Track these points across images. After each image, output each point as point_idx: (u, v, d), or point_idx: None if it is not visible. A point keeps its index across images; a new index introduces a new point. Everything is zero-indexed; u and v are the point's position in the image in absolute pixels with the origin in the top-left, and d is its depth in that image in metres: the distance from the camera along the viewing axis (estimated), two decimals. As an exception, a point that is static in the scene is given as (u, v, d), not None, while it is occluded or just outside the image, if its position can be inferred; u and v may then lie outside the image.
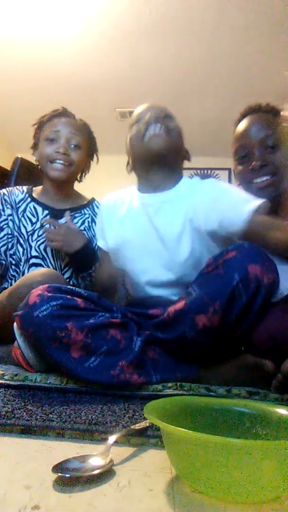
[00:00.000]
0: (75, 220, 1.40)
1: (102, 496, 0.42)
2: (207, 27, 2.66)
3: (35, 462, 0.50)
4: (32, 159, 1.50)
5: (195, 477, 0.43)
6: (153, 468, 0.49)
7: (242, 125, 1.22)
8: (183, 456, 0.44)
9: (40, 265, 1.35)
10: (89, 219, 1.42)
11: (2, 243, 1.36)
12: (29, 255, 1.35)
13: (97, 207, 1.45)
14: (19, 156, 1.99)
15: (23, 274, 1.33)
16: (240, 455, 0.39)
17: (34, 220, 1.38)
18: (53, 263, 1.36)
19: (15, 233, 1.37)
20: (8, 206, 1.39)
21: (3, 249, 1.36)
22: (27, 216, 1.38)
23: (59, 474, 0.44)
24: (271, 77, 3.10)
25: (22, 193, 1.43)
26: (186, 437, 0.42)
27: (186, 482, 0.45)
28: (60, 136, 1.35)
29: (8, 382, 0.81)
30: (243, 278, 0.81)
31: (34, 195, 1.44)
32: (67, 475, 0.44)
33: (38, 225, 1.37)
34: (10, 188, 1.47)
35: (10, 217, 1.37)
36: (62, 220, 1.35)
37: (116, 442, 0.52)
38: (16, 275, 1.37)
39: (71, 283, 1.36)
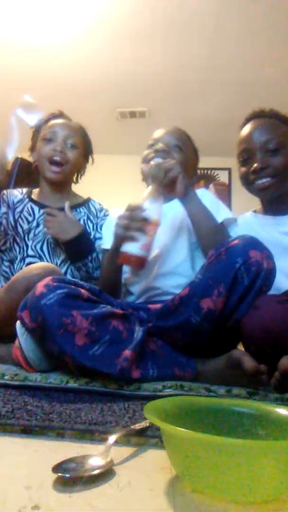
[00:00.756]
0: None
1: (102, 496, 0.42)
2: (207, 28, 2.66)
3: (35, 462, 0.50)
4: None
5: (195, 477, 0.43)
6: (153, 468, 0.49)
7: (246, 129, 1.29)
8: (183, 456, 0.44)
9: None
10: (85, 218, 1.46)
11: None
12: (25, 254, 1.37)
13: (93, 206, 1.50)
14: (19, 156, 1.99)
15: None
16: (240, 455, 0.39)
17: (30, 219, 1.40)
18: (49, 261, 1.37)
19: (10, 232, 1.38)
20: (5, 204, 1.41)
21: None
22: (24, 216, 1.41)
23: (59, 474, 0.44)
24: (271, 77, 3.11)
25: (21, 194, 1.47)
26: (186, 437, 0.42)
27: (186, 482, 0.45)
28: (57, 136, 1.39)
29: (8, 382, 0.81)
30: (246, 262, 0.86)
31: (32, 196, 1.48)
32: (67, 475, 0.44)
33: (34, 224, 1.39)
34: (11, 189, 1.51)
35: (4, 215, 1.39)
36: None
37: (116, 442, 0.52)
38: (10, 272, 1.38)
39: None
